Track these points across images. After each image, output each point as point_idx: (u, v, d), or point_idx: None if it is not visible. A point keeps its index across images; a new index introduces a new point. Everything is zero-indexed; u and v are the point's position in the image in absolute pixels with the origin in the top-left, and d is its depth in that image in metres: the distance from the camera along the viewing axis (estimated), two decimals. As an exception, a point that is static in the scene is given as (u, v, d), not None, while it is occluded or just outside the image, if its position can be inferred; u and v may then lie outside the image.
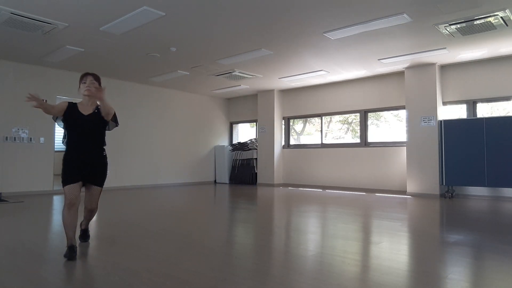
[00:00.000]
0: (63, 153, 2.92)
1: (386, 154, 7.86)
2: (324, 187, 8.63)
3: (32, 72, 7.19)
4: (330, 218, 4.72)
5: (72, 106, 2.92)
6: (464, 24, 4.89)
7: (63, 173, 2.84)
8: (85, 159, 2.89)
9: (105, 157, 3.05)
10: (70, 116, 2.89)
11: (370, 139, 8.29)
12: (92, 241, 3.50)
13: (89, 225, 3.31)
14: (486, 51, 6.18)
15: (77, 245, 2.93)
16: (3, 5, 4.33)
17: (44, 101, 2.85)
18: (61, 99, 7.64)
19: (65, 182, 2.81)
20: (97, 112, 2.96)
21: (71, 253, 2.69)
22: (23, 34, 5.34)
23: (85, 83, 2.94)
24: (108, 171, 3.09)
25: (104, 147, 3.06)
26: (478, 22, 4.80)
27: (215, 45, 5.88)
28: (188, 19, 4.77)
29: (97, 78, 3.00)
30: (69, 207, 2.78)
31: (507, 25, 4.90)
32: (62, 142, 2.98)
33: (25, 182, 7.03)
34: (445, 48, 5.95)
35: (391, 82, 7.87)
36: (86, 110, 2.95)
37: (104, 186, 3.08)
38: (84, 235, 3.23)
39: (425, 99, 6.99)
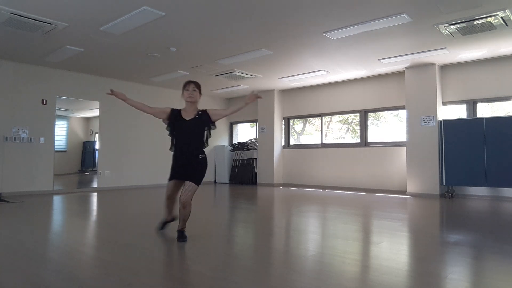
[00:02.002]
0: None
1: (386, 154, 7.86)
2: (324, 187, 8.63)
3: (32, 72, 7.19)
4: (330, 218, 4.72)
5: (176, 112, 3.29)
6: (464, 24, 4.89)
7: (170, 170, 3.33)
8: (184, 160, 3.25)
9: (203, 158, 3.29)
10: (175, 120, 3.26)
11: (370, 139, 8.28)
12: (92, 241, 3.51)
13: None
14: (486, 51, 6.18)
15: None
16: (3, 5, 4.33)
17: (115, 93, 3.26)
18: (61, 99, 7.66)
19: (168, 179, 3.35)
20: (197, 117, 3.27)
21: (162, 224, 3.54)
22: (23, 34, 5.34)
23: (188, 90, 3.24)
24: (205, 171, 3.35)
25: (204, 149, 3.33)
26: (478, 22, 4.80)
27: (215, 45, 5.88)
28: (188, 19, 4.77)
29: (198, 86, 3.31)
30: (167, 198, 3.40)
31: (507, 25, 4.89)
32: (171, 146, 3.38)
33: (25, 182, 7.03)
34: (445, 48, 5.95)
35: (391, 82, 7.86)
36: (188, 115, 3.27)
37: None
38: (181, 236, 3.26)
39: (425, 99, 6.99)
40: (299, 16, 4.68)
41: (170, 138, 3.35)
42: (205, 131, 3.32)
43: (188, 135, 3.24)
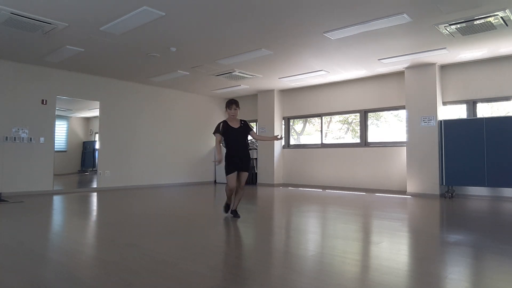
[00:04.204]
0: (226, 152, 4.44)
1: (386, 154, 7.86)
2: (324, 187, 8.63)
3: (32, 72, 7.19)
4: (330, 218, 4.72)
5: (225, 123, 4.38)
6: (464, 24, 4.89)
7: (226, 166, 4.35)
8: (237, 156, 4.35)
9: (249, 154, 4.52)
10: (226, 130, 4.36)
11: (370, 139, 8.29)
12: (92, 241, 3.51)
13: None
14: (486, 51, 6.18)
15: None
16: (3, 5, 4.33)
17: (217, 160, 4.37)
18: (61, 99, 7.66)
19: (227, 173, 4.34)
20: (242, 126, 4.45)
21: (225, 208, 4.63)
22: (23, 34, 5.34)
23: (231, 109, 4.41)
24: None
25: (249, 147, 4.57)
26: (478, 22, 4.80)
27: (215, 45, 5.88)
28: (188, 19, 4.77)
29: (238, 105, 4.47)
30: (231, 189, 4.38)
31: (507, 25, 4.90)
32: (223, 145, 4.50)
33: (25, 182, 7.03)
34: (445, 48, 5.95)
35: (391, 82, 7.87)
36: (235, 124, 4.43)
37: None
38: (237, 214, 4.52)
39: (425, 99, 6.99)
40: (299, 16, 4.69)
41: (224, 139, 4.42)
42: (248, 135, 4.50)
43: (239, 137, 4.40)
